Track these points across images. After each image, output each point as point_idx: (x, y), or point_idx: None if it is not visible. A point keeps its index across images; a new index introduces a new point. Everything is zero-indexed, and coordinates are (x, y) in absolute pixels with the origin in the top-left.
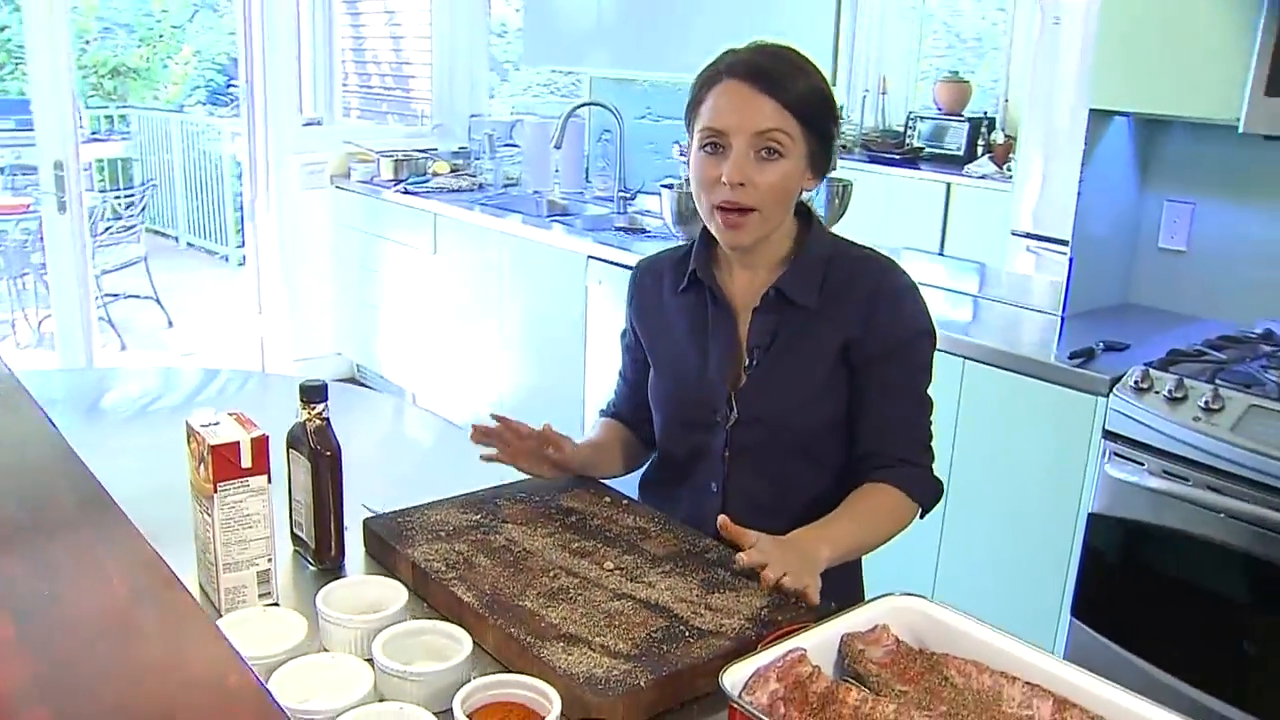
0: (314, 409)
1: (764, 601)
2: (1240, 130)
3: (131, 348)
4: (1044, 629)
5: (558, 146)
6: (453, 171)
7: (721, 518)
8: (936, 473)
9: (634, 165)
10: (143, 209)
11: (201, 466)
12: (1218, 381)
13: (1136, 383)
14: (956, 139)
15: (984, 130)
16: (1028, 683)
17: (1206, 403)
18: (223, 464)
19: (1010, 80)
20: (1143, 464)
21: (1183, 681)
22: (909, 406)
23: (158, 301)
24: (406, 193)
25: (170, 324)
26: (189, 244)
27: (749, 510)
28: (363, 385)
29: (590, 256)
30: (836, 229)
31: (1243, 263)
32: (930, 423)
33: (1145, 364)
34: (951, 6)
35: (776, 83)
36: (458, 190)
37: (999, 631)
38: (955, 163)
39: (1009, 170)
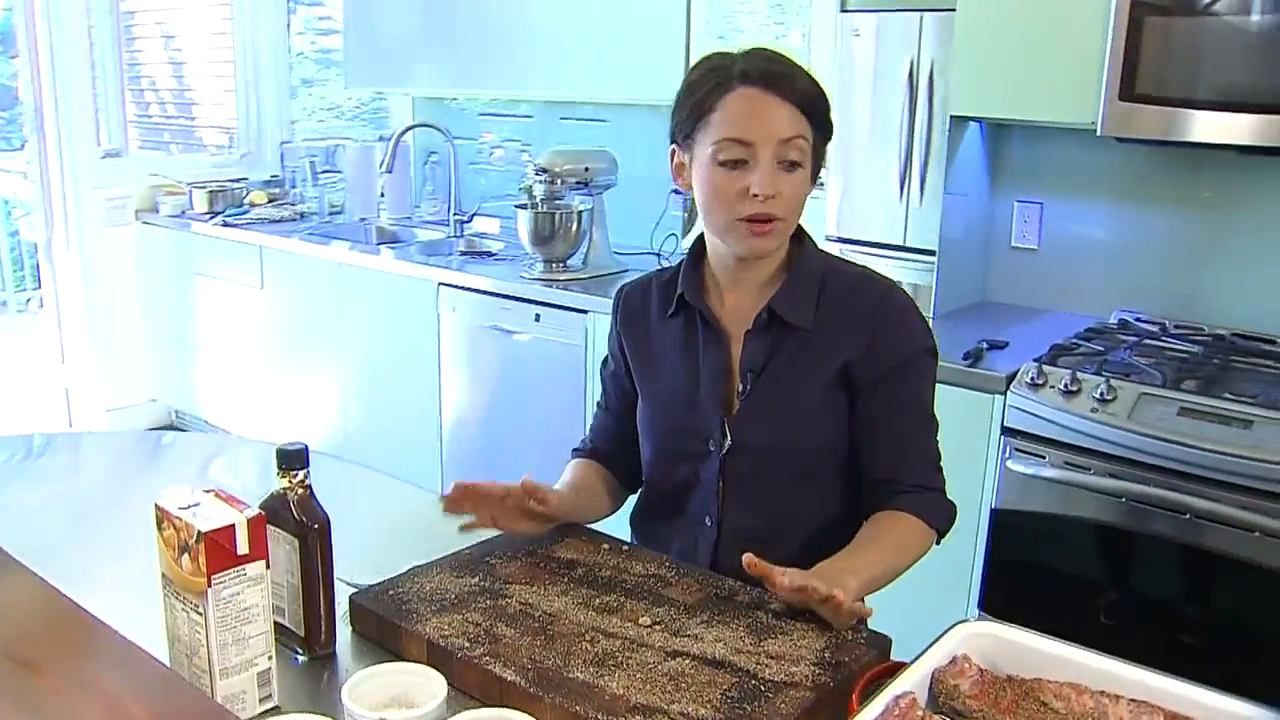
0: (295, 476)
1: (822, 643)
2: (1098, 133)
3: None
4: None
5: (389, 171)
6: (271, 201)
7: (747, 556)
8: (949, 495)
9: (464, 187)
10: None
11: (185, 557)
12: (1105, 373)
13: (1032, 379)
14: None
15: None
16: (1132, 699)
17: (1101, 394)
18: (217, 552)
19: None
20: (1044, 457)
21: None
22: (919, 427)
23: None
24: (226, 225)
25: None
26: None
27: (745, 543)
28: (183, 431)
29: (442, 284)
30: (686, 241)
31: (1090, 257)
32: (938, 441)
33: (1035, 359)
34: (732, 24)
35: (791, 85)
36: (280, 220)
37: (1081, 649)
38: None
39: (821, 179)
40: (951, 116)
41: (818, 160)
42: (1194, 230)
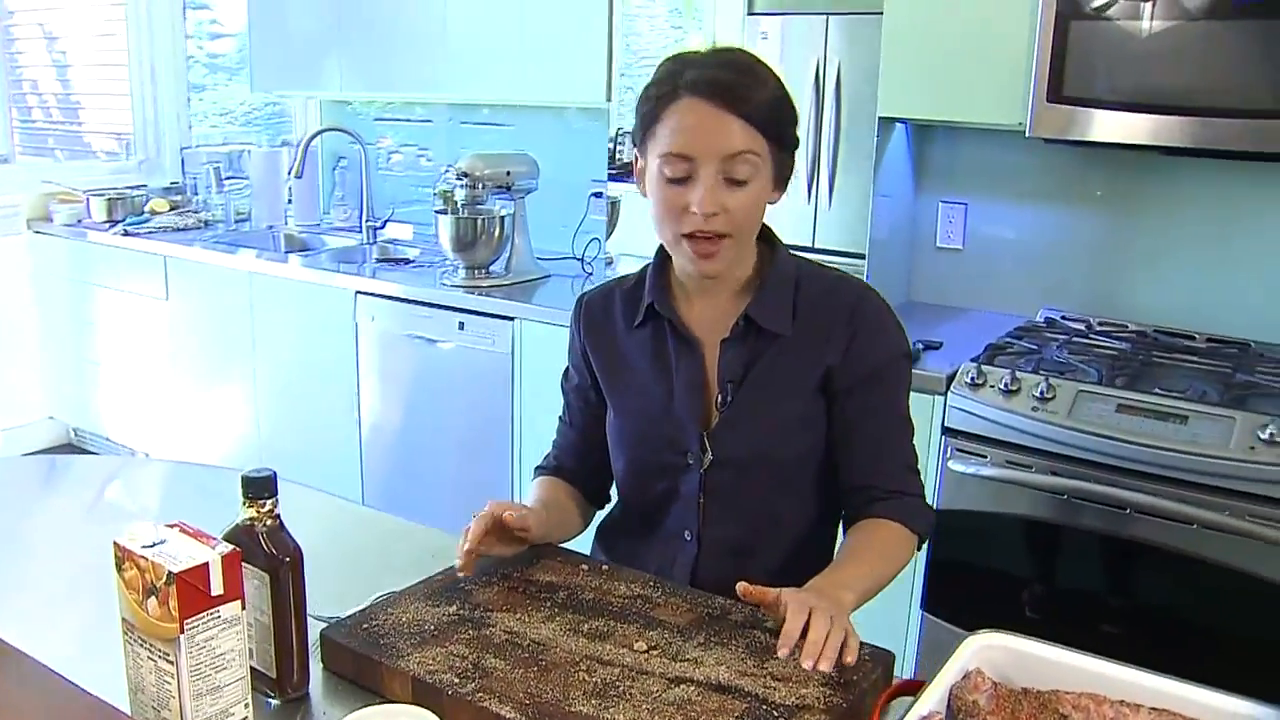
0: (263, 506)
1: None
2: (1027, 135)
3: None
4: (894, 626)
5: (299, 176)
6: (173, 209)
7: (741, 585)
8: (927, 499)
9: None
10: None
11: (152, 601)
12: (1043, 371)
13: (972, 379)
14: None
15: None
16: (1153, 708)
17: (1041, 393)
18: (190, 594)
19: None
20: (985, 457)
21: None
22: (895, 432)
23: None
24: (126, 235)
25: None
26: None
27: (727, 557)
28: (86, 451)
29: (359, 292)
30: (610, 244)
31: (1014, 257)
32: (914, 445)
33: (973, 359)
34: (628, 28)
35: (741, 97)
36: (184, 229)
37: (1094, 658)
38: None
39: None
40: (880, 119)
41: (782, 170)
42: (1113, 229)
